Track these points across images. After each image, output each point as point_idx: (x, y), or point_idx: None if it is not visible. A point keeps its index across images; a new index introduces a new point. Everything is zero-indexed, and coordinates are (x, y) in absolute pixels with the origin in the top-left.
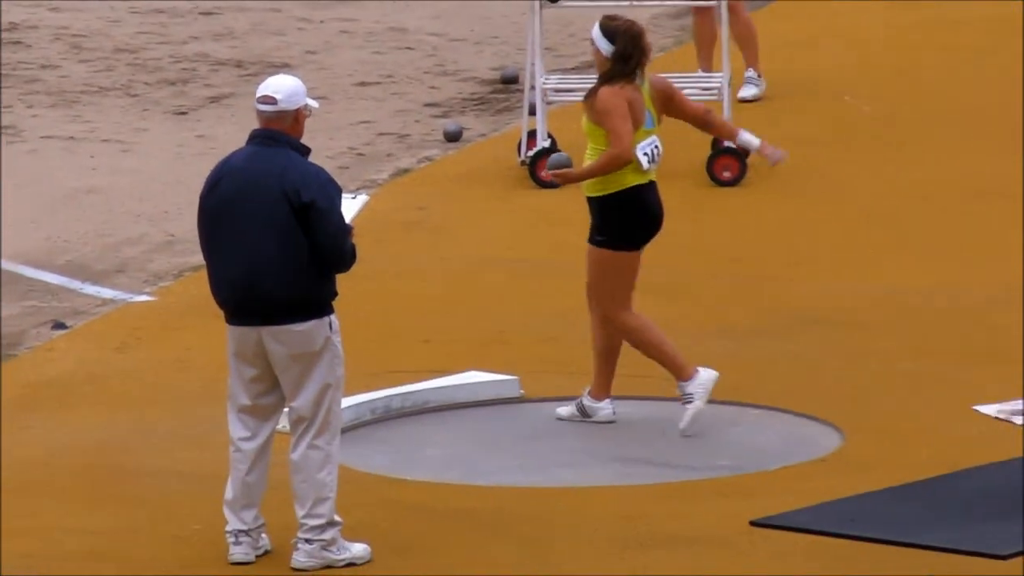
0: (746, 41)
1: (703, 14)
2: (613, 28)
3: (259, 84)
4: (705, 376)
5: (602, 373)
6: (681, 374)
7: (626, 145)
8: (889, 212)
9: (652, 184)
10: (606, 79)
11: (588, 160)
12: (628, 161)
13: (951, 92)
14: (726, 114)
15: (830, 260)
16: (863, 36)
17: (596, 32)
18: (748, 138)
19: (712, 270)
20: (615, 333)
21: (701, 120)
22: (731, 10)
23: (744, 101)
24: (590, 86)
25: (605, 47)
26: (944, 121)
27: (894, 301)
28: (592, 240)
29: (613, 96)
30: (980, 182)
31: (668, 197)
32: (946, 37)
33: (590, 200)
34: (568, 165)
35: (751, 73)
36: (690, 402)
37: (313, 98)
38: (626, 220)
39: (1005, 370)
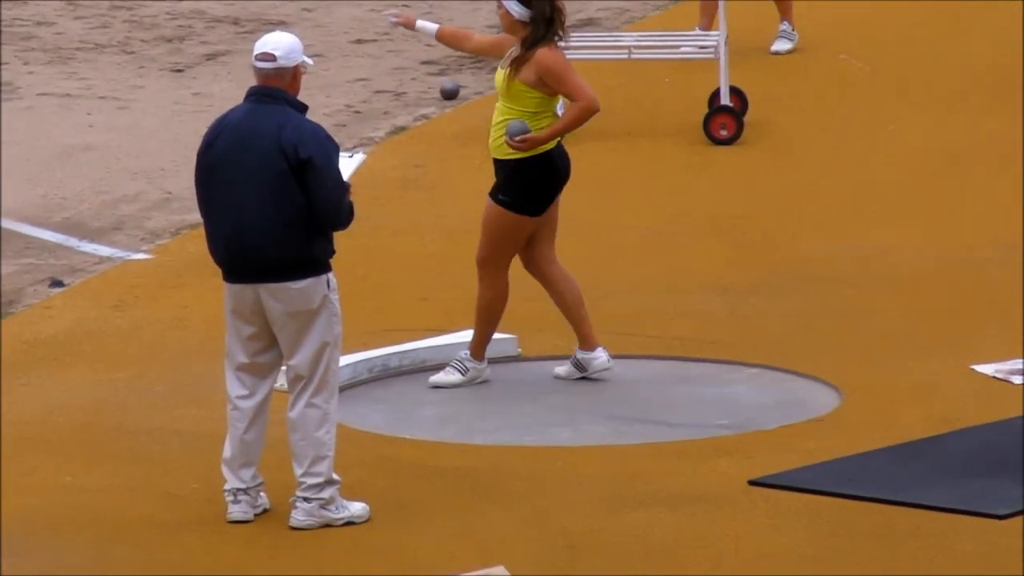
0: None
1: None
2: None
3: (255, 41)
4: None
5: (581, 324)
6: (477, 352)
7: (592, 95)
8: (886, 171)
9: (560, 145)
10: (534, 42)
11: (500, 125)
12: (597, 110)
13: (948, 52)
14: (722, 70)
15: (827, 219)
16: None
17: None
18: (424, 24)
19: (708, 228)
20: (557, 283)
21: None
22: None
23: (776, 54)
24: (587, 43)
25: (519, 11)
26: (941, 81)
27: (891, 260)
28: (494, 198)
29: (556, 53)
30: (977, 141)
31: (665, 155)
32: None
33: (503, 163)
34: (528, 130)
35: (785, 26)
36: (460, 372)
37: (309, 55)
38: (536, 186)
39: (1003, 329)
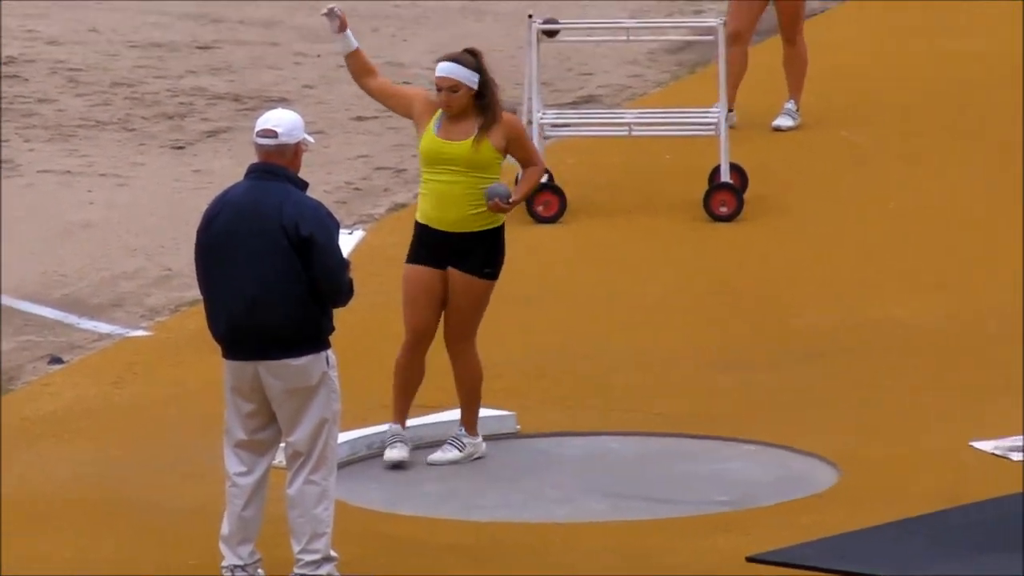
0: (797, 69)
1: (739, 45)
2: (477, 61)
3: (257, 118)
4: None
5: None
6: (472, 428)
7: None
8: (887, 244)
9: None
10: (495, 108)
11: (466, 197)
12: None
13: (949, 124)
14: (722, 147)
15: (827, 292)
16: (861, 70)
17: (460, 70)
18: (349, 36)
19: (710, 303)
20: (466, 365)
21: None
22: (790, 40)
23: (778, 130)
24: (588, 120)
25: (473, 79)
26: (938, 152)
27: (892, 333)
28: (480, 273)
29: (517, 116)
30: (982, 209)
31: (666, 231)
32: (939, 70)
33: (480, 235)
34: (508, 193)
35: (791, 105)
36: (458, 449)
37: (310, 133)
38: (503, 249)
39: (1004, 402)
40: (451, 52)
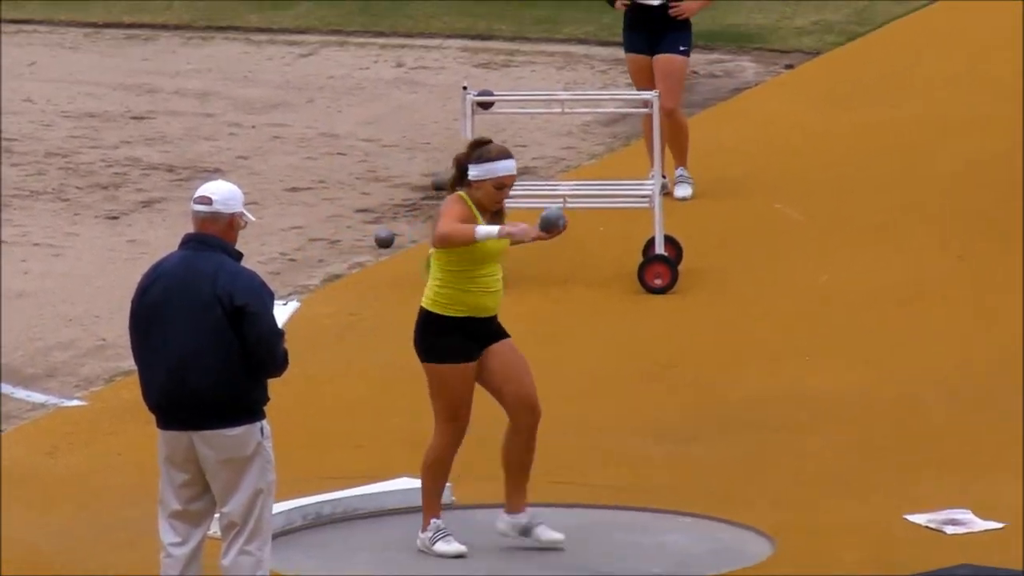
0: (680, 141)
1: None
2: None
3: (191, 188)
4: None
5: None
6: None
7: None
8: (820, 314)
9: None
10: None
11: (497, 281)
12: None
13: (881, 194)
14: (656, 219)
15: (763, 363)
16: (794, 142)
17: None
18: (486, 231)
19: (644, 374)
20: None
21: None
22: (669, 113)
23: (684, 200)
24: (522, 192)
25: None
26: (873, 223)
27: (826, 404)
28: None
29: None
30: (908, 282)
31: (601, 302)
32: (876, 141)
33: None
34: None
35: (682, 172)
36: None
37: (245, 204)
38: None
39: (939, 473)
40: (500, 146)
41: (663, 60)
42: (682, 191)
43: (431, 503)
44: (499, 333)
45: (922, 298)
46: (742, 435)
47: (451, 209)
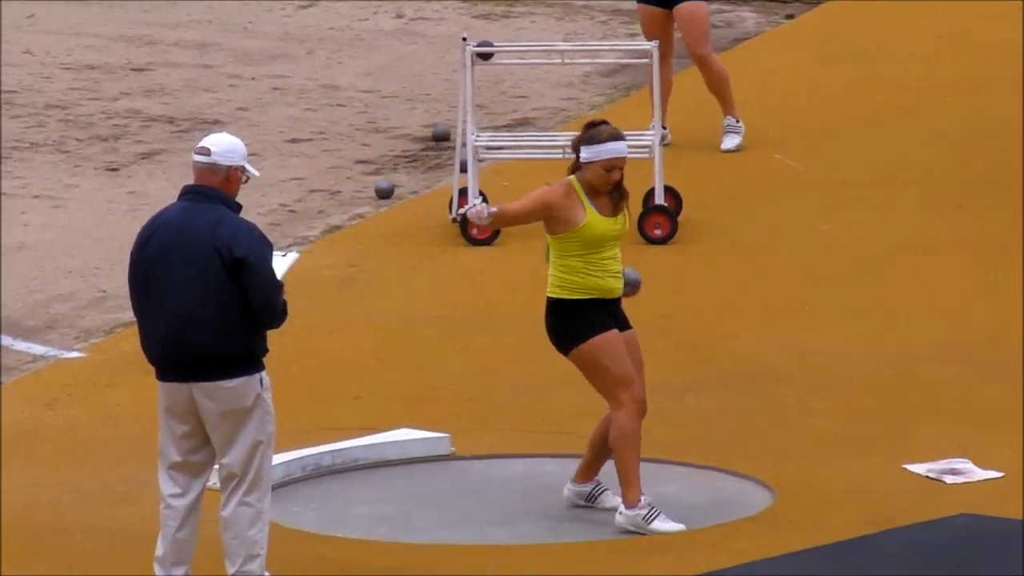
0: (720, 89)
1: (665, 64)
2: None
3: (192, 140)
4: None
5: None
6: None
7: None
8: (821, 269)
9: None
10: (623, 180)
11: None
12: None
13: (881, 150)
14: (656, 169)
15: (761, 317)
16: (794, 94)
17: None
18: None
19: (643, 327)
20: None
21: None
22: (701, 60)
23: (728, 151)
24: (522, 143)
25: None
26: (873, 179)
27: (826, 358)
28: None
29: None
30: (908, 238)
31: None
32: (876, 97)
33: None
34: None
35: (729, 120)
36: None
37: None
38: None
39: (937, 428)
40: (612, 128)
41: (684, 9)
42: (728, 142)
43: (632, 479)
44: (625, 322)
45: (922, 251)
46: (740, 389)
47: (533, 192)
